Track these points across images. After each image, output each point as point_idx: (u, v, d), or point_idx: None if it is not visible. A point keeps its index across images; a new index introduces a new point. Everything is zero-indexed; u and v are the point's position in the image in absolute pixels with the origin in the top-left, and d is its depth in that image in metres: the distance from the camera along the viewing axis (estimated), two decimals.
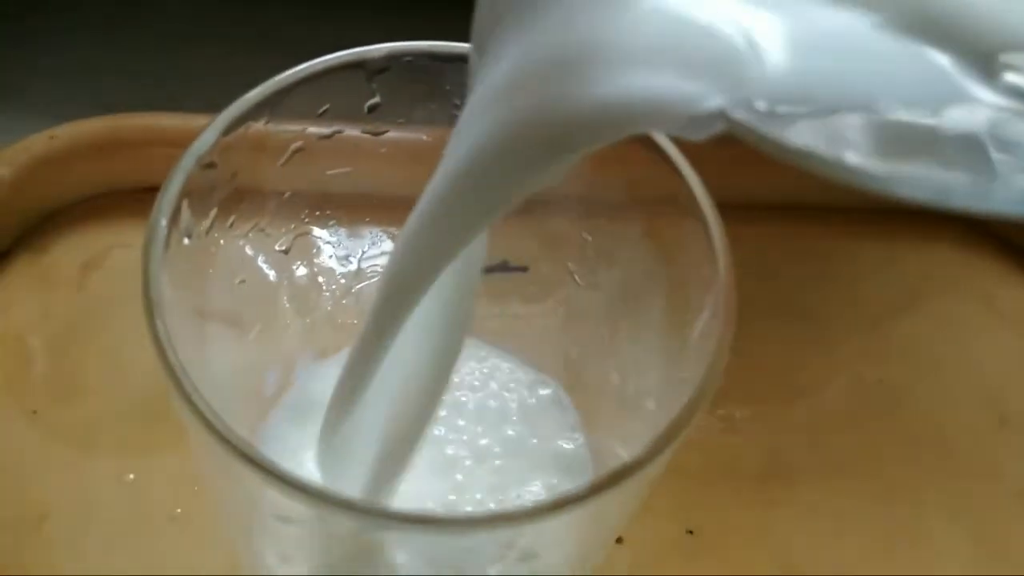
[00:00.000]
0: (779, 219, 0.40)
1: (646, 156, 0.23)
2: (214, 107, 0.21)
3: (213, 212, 0.21)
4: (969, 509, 0.34)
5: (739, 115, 0.14)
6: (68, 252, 0.38)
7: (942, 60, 0.14)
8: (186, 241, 0.20)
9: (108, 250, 0.38)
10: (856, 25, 0.14)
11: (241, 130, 0.21)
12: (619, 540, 0.31)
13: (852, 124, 0.13)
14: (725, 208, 0.23)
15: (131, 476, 0.32)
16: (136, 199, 0.38)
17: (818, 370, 0.37)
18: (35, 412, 0.33)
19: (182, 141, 0.39)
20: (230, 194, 0.22)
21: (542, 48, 0.15)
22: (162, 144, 0.37)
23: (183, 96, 0.37)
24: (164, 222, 0.18)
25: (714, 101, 0.14)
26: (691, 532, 0.33)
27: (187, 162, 0.19)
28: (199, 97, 0.36)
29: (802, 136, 0.13)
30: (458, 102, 0.23)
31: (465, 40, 0.20)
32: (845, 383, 0.37)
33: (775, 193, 0.39)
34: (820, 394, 0.36)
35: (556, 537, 0.19)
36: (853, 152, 0.13)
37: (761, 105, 0.13)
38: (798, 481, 0.34)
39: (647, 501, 0.22)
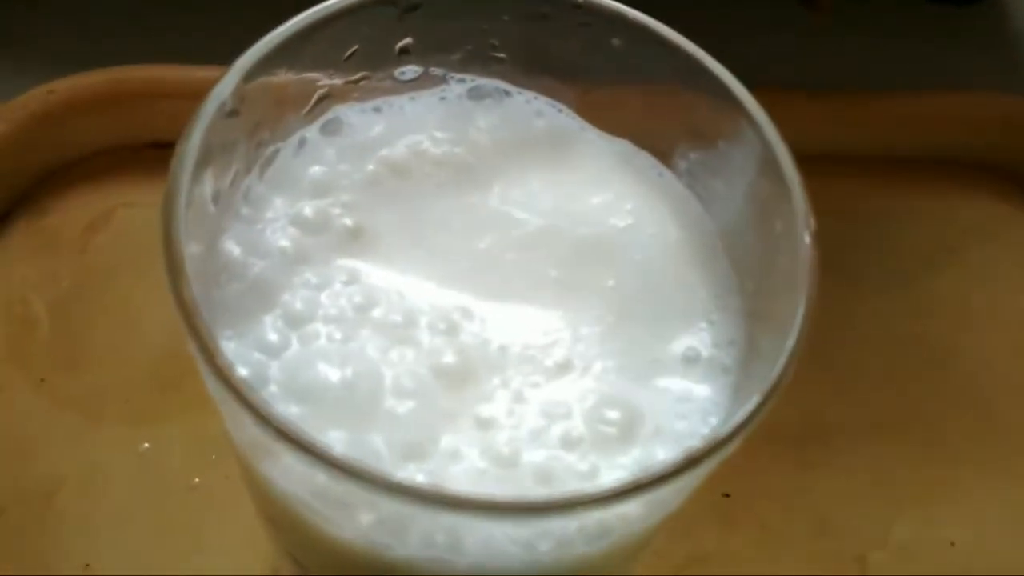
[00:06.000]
0: (810, 172, 0.38)
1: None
2: (219, 60, 0.19)
3: (234, 168, 0.20)
4: (1007, 468, 0.33)
5: None
6: (70, 213, 0.36)
7: None
8: (211, 205, 0.18)
9: (112, 210, 0.36)
10: None
11: (262, 77, 0.19)
12: None
13: None
14: None
15: (146, 445, 0.31)
16: (140, 156, 0.37)
17: (855, 327, 0.36)
18: (42, 380, 0.32)
19: (186, 94, 0.37)
20: (252, 147, 0.20)
21: None
22: (166, 97, 0.36)
23: (187, 48, 0.35)
24: (186, 178, 0.16)
25: None
26: (727, 495, 0.32)
27: (209, 108, 0.17)
28: (203, 49, 0.34)
29: None
30: (495, 42, 0.22)
31: None
32: (882, 340, 0.36)
33: (810, 142, 0.38)
34: (857, 353, 0.35)
35: (635, 515, 0.18)
36: None
37: None
38: (835, 443, 0.33)
39: None
